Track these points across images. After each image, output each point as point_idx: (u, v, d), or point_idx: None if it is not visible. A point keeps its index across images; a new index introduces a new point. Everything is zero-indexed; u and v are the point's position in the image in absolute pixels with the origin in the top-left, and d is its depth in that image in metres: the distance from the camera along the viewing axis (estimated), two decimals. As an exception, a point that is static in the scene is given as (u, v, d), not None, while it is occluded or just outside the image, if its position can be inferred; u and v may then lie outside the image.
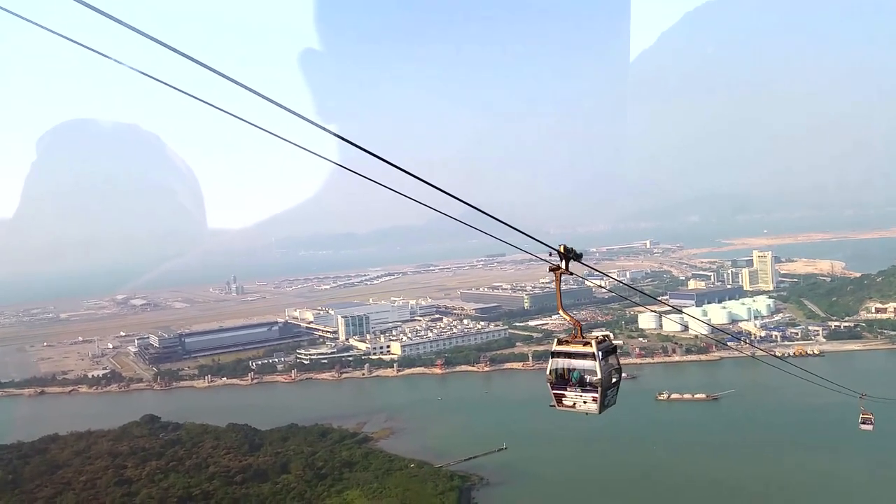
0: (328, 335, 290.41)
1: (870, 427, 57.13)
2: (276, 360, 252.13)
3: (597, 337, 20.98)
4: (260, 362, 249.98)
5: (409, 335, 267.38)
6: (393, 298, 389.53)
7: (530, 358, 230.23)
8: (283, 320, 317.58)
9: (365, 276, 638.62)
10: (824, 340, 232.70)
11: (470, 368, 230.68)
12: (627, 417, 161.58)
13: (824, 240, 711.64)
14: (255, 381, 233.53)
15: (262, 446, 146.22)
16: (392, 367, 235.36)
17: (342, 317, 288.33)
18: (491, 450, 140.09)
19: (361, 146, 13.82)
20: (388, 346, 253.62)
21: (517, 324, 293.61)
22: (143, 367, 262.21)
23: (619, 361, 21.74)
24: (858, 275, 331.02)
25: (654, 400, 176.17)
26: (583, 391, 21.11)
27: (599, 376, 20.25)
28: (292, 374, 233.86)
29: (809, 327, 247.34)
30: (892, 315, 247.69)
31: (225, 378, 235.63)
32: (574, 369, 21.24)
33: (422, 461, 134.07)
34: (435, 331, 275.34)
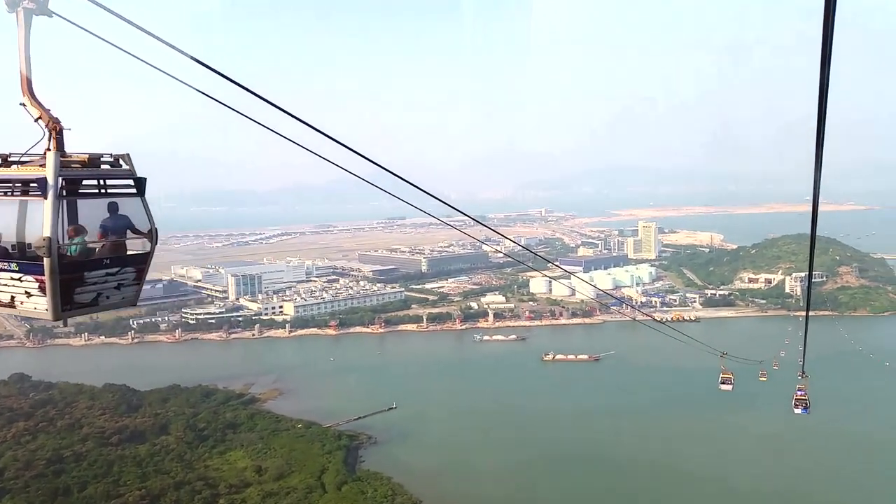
0: (217, 294, 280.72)
1: (729, 387, 57.84)
2: (160, 319, 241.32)
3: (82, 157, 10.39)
4: (141, 321, 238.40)
5: (304, 296, 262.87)
6: (288, 259, 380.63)
7: (425, 320, 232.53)
8: (168, 278, 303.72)
9: (261, 234, 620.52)
10: (700, 307, 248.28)
11: (365, 330, 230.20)
12: (514, 377, 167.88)
13: (705, 213, 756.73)
14: (135, 340, 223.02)
15: (141, 407, 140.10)
16: (284, 327, 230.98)
17: (233, 275, 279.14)
18: (381, 409, 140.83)
19: (266, 98, 12.37)
20: (281, 307, 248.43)
21: (414, 286, 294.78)
22: (13, 323, 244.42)
23: (149, 216, 11.35)
24: (734, 247, 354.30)
25: (540, 360, 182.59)
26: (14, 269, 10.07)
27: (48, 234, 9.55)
28: (176, 334, 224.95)
29: (687, 294, 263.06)
30: (762, 285, 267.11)
31: (103, 337, 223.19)
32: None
33: (310, 422, 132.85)
34: (331, 292, 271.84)
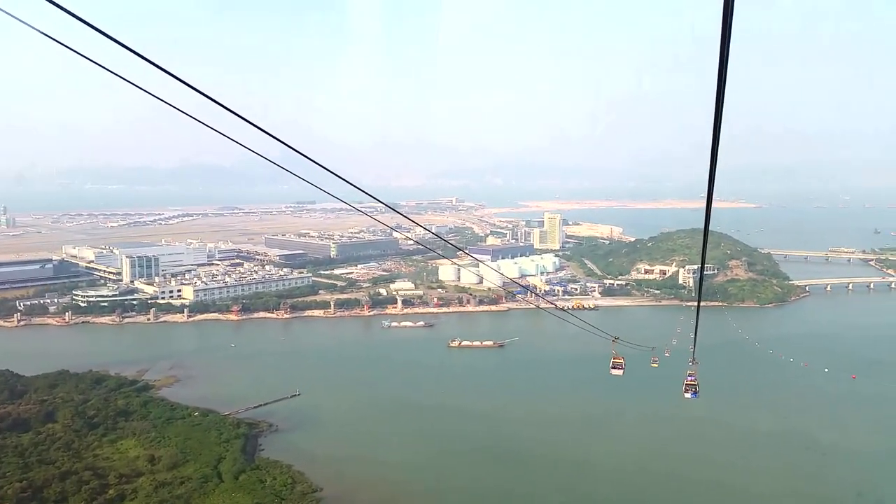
0: (111, 276, 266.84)
1: (620, 372, 55.92)
2: (49, 301, 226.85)
3: None
4: (29, 302, 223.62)
5: (205, 279, 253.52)
6: (189, 241, 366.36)
7: (332, 306, 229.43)
8: (58, 258, 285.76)
9: (160, 215, 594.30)
10: (599, 296, 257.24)
11: (269, 315, 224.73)
12: (421, 363, 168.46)
13: (607, 207, 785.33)
14: (22, 322, 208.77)
15: (26, 394, 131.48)
16: (182, 312, 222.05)
17: (127, 257, 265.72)
18: (283, 396, 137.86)
19: (169, 71, 11.17)
20: (179, 291, 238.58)
21: (323, 272, 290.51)
22: None
23: None
24: (633, 239, 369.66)
25: (446, 347, 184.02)
26: None
27: None
28: (66, 317, 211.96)
29: (588, 284, 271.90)
30: (657, 276, 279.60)
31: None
32: None
33: (207, 409, 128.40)
34: (234, 276, 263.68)
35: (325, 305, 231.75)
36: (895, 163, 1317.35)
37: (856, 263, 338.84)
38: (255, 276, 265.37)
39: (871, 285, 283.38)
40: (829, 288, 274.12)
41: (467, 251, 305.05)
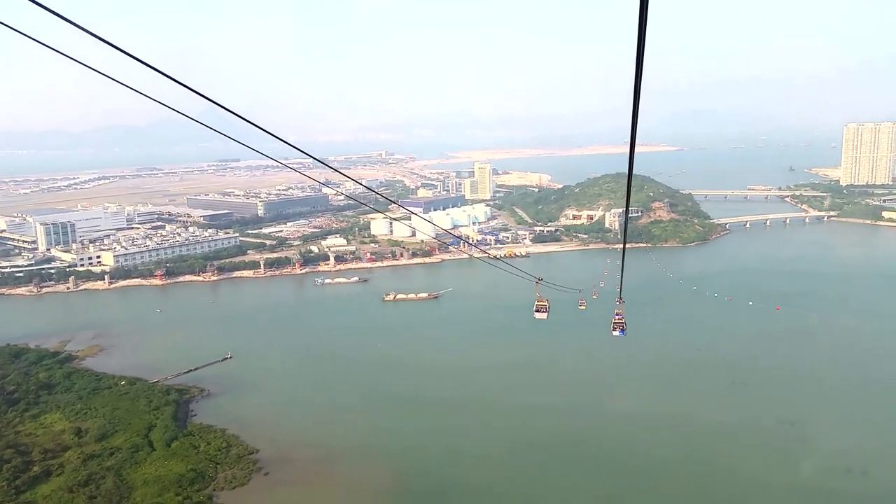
0: (25, 245, 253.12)
1: (544, 315, 54.03)
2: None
3: None
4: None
5: (125, 244, 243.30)
6: (107, 204, 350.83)
7: (262, 265, 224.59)
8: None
9: (75, 179, 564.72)
10: (530, 243, 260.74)
11: (195, 278, 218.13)
12: (356, 318, 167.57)
13: (535, 155, 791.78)
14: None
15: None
16: (103, 279, 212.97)
17: (42, 224, 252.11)
18: (214, 360, 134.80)
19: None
20: (99, 257, 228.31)
21: (250, 231, 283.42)
22: None
23: None
24: (560, 186, 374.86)
25: (381, 301, 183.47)
26: None
27: None
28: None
29: (519, 232, 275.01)
30: (585, 221, 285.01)
31: None
32: None
33: (134, 378, 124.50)
34: (156, 239, 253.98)
35: (254, 265, 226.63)
36: (810, 104, 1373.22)
37: (772, 200, 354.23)
38: (178, 238, 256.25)
39: (787, 220, 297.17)
40: (748, 225, 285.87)
41: (399, 204, 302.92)
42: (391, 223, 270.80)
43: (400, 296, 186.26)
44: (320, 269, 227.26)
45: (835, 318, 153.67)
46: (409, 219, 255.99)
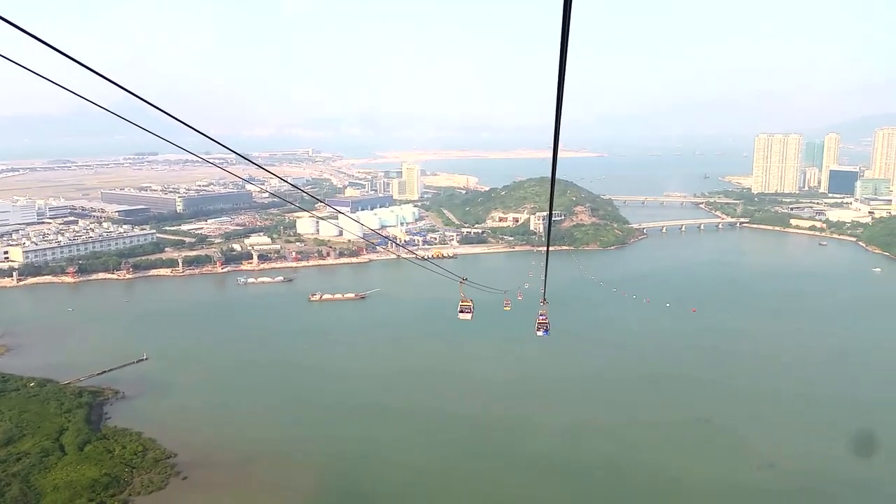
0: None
1: (468, 316, 52.15)
2: None
3: None
4: None
5: (35, 240, 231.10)
6: (16, 198, 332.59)
7: (181, 263, 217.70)
8: None
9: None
10: (458, 244, 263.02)
11: (110, 276, 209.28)
12: (280, 319, 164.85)
13: (463, 157, 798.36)
14: None
15: None
16: (11, 276, 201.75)
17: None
18: (129, 361, 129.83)
19: None
20: (6, 253, 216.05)
21: (168, 228, 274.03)
22: None
23: None
24: (487, 188, 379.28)
25: (307, 301, 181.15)
26: None
27: None
28: None
29: (446, 233, 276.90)
30: (511, 223, 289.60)
31: None
32: None
33: (45, 379, 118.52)
34: (68, 235, 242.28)
35: (172, 263, 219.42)
36: (725, 113, 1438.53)
37: (687, 206, 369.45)
38: (91, 234, 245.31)
39: (701, 226, 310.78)
40: (664, 230, 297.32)
41: (327, 203, 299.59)
42: (318, 222, 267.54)
43: (326, 296, 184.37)
44: (243, 268, 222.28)
45: (746, 320, 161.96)
46: (336, 218, 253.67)
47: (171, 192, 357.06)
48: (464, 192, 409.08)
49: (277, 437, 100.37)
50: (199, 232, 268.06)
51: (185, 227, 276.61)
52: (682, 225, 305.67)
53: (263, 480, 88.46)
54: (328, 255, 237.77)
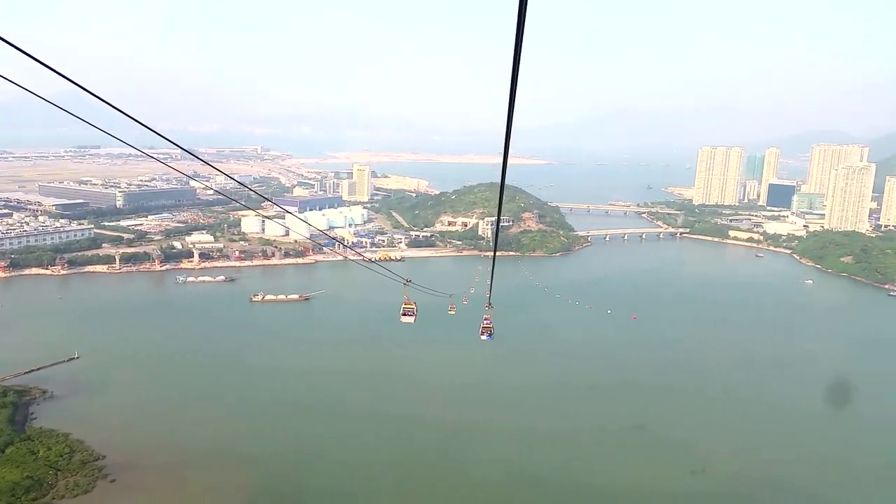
0: None
1: (411, 319, 51.15)
2: None
3: None
4: None
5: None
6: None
7: (118, 260, 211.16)
8: None
9: None
10: (406, 247, 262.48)
11: (43, 271, 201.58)
12: (219, 318, 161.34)
13: (415, 160, 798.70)
14: None
15: None
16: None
17: None
18: (59, 360, 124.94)
19: None
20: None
21: (107, 223, 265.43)
22: None
23: None
24: (438, 192, 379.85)
25: (248, 302, 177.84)
26: None
27: None
28: None
29: (395, 236, 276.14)
30: (460, 227, 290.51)
31: None
32: None
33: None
34: (0, 228, 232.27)
35: (109, 260, 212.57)
36: (671, 126, 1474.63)
37: (631, 216, 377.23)
38: (26, 227, 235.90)
39: (643, 235, 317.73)
40: (608, 238, 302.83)
41: (274, 202, 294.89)
42: (263, 221, 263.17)
43: (269, 296, 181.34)
44: (183, 266, 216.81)
45: (683, 328, 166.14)
46: (283, 217, 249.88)
47: (111, 186, 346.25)
48: (414, 195, 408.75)
49: (214, 438, 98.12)
50: (140, 228, 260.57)
51: (124, 223, 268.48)
52: (625, 234, 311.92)
53: (198, 482, 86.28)
54: (273, 255, 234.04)
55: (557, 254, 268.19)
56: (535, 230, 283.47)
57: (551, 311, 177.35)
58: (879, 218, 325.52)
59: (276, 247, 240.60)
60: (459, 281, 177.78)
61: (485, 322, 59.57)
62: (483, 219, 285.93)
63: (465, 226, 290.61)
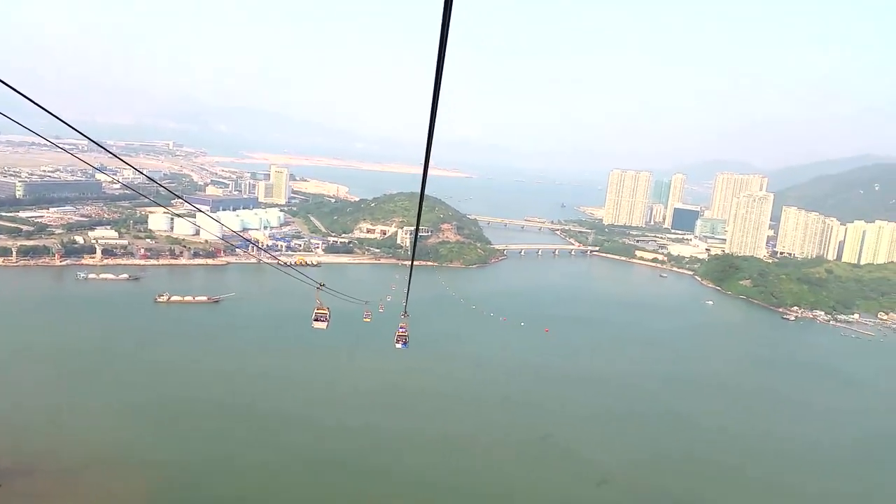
0: None
1: (323, 325, 49.14)
2: None
3: None
4: None
5: None
6: None
7: (14, 253, 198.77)
8: None
9: None
10: (323, 253, 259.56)
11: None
12: (120, 318, 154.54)
13: (336, 166, 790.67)
14: None
15: None
16: None
17: None
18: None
19: None
20: None
21: (4, 214, 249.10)
22: None
23: None
24: (358, 199, 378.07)
25: (153, 302, 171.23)
26: None
27: None
28: None
29: (312, 240, 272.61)
30: (378, 235, 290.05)
31: None
32: None
33: None
34: None
35: (6, 252, 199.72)
36: (586, 148, 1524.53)
37: (545, 232, 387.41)
38: None
39: (556, 251, 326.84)
40: (522, 252, 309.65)
41: (185, 199, 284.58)
42: (173, 219, 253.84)
43: (176, 297, 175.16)
44: (85, 262, 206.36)
45: (591, 342, 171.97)
46: (194, 216, 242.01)
47: (11, 175, 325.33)
48: (333, 200, 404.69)
49: (114, 443, 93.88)
50: (40, 220, 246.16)
51: (23, 214, 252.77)
52: (539, 249, 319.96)
53: (94, 488, 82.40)
54: (182, 254, 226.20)
55: (474, 266, 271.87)
56: (453, 241, 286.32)
57: (466, 322, 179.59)
58: (776, 245, 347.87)
59: (185, 246, 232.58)
60: (376, 288, 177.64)
61: (400, 330, 59.93)
62: (402, 228, 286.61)
63: (384, 234, 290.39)
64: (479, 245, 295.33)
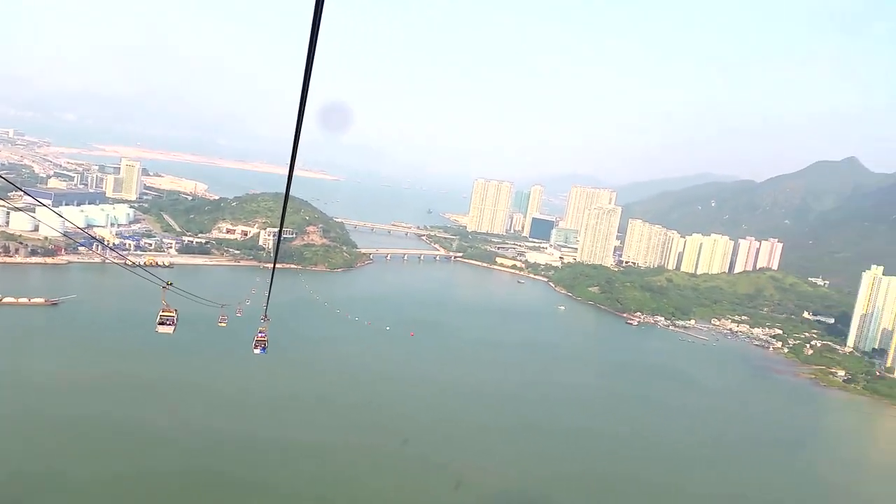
0: None
1: (170, 329, 43.50)
2: None
3: None
4: None
5: None
6: None
7: None
8: None
9: None
10: (176, 253, 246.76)
11: None
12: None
13: (194, 162, 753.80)
14: None
15: None
16: None
17: None
18: None
19: None
20: None
21: None
22: None
23: None
24: (217, 197, 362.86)
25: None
26: None
27: None
28: None
29: (164, 240, 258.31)
30: (239, 236, 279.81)
31: None
32: None
33: None
34: None
35: None
36: (454, 157, 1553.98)
37: (412, 237, 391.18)
38: None
39: (422, 256, 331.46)
40: (388, 257, 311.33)
41: (24, 191, 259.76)
42: (8, 213, 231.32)
43: (8, 299, 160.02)
44: None
45: (450, 345, 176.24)
46: (32, 210, 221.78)
47: None
48: (190, 198, 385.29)
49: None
50: None
51: None
52: (405, 254, 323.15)
53: None
54: (17, 251, 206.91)
55: (339, 269, 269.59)
56: (318, 244, 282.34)
57: (330, 326, 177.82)
58: (622, 254, 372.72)
59: (20, 242, 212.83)
60: (235, 291, 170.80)
61: (259, 335, 58.48)
62: (265, 229, 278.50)
63: (245, 235, 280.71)
64: (345, 249, 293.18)
